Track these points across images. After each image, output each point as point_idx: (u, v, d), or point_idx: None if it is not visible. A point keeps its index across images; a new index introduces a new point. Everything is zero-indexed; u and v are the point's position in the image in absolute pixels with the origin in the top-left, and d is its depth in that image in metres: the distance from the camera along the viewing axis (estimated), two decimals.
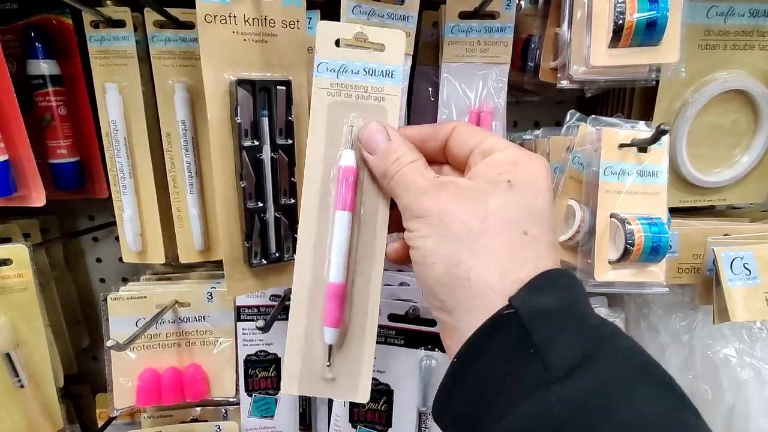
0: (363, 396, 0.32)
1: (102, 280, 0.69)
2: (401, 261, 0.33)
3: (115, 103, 0.45)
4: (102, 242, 0.67)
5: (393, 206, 0.32)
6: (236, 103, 0.37)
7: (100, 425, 0.60)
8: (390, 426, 0.43)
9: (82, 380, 0.67)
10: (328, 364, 0.31)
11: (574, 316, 0.23)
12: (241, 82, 0.37)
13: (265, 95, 0.39)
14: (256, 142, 0.39)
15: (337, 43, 0.32)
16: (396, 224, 0.32)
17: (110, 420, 0.58)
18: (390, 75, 0.32)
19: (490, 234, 0.25)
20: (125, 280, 0.68)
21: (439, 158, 0.31)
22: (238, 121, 0.38)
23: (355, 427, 0.43)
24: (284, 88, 0.39)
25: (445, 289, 0.26)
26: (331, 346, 0.31)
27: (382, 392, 0.43)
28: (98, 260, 0.68)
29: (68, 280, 0.64)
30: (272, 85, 0.39)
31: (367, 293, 0.32)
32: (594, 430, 0.19)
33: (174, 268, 0.58)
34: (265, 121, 0.39)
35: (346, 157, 0.31)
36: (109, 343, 0.38)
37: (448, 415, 0.26)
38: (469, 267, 0.25)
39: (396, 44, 0.32)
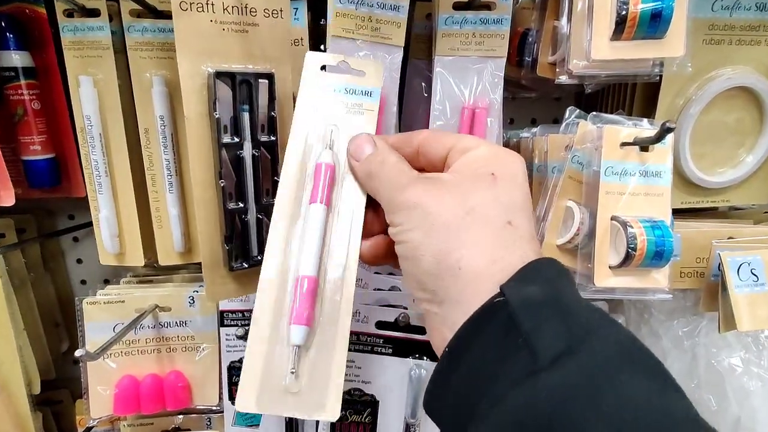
0: (331, 413, 0.27)
1: (83, 282, 0.66)
2: (376, 260, 0.32)
3: (90, 97, 0.43)
4: (82, 243, 0.65)
5: (368, 209, 0.32)
6: (214, 97, 0.35)
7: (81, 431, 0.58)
8: None
9: (62, 385, 0.65)
10: (292, 369, 0.27)
11: (562, 305, 0.23)
12: (219, 75, 0.35)
13: (246, 89, 0.36)
14: (236, 139, 0.37)
15: (323, 68, 0.33)
16: (371, 227, 0.32)
17: (89, 428, 0.56)
18: (369, 94, 0.33)
19: (476, 224, 0.26)
20: (107, 282, 0.66)
21: (414, 165, 0.31)
22: (217, 117, 0.35)
23: None
24: (266, 81, 0.37)
25: (435, 280, 0.26)
26: (298, 348, 0.28)
27: (366, 404, 0.41)
28: (79, 261, 0.65)
29: (46, 281, 0.62)
30: (253, 78, 0.36)
31: (340, 291, 0.30)
32: (580, 417, 0.20)
33: (156, 270, 0.56)
34: (246, 116, 0.37)
35: (325, 155, 0.31)
36: (78, 353, 0.35)
37: (441, 405, 0.25)
38: (459, 256, 0.25)
39: (375, 71, 0.34)
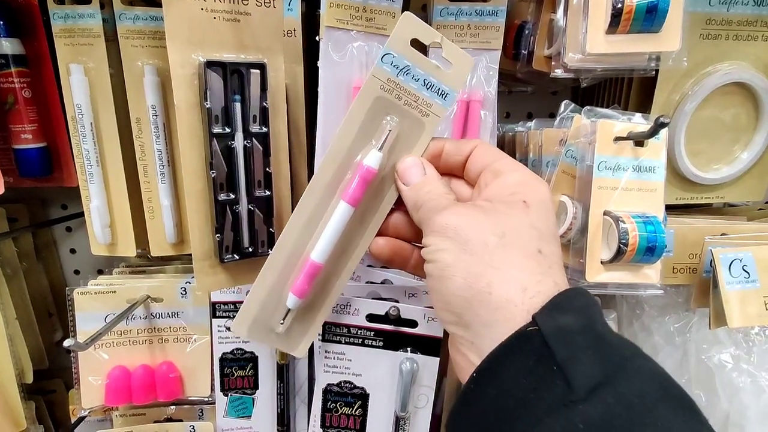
0: (300, 352, 0.35)
1: (76, 272, 0.66)
2: (382, 257, 0.33)
3: (81, 85, 0.42)
4: (76, 233, 0.64)
5: (394, 211, 0.33)
6: (205, 86, 0.35)
7: (73, 421, 0.58)
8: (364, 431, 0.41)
9: (55, 375, 0.65)
10: (281, 321, 0.34)
11: (596, 336, 0.24)
12: (210, 64, 0.35)
13: (238, 79, 0.36)
14: (228, 130, 0.36)
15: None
16: (392, 228, 0.33)
17: (81, 418, 0.56)
18: (444, 96, 0.32)
19: (507, 250, 0.26)
20: (101, 272, 0.66)
21: (457, 172, 0.32)
22: (208, 107, 0.35)
23: None
24: (258, 71, 0.37)
25: (463, 303, 0.26)
26: (289, 310, 0.34)
27: (357, 396, 0.41)
28: (72, 251, 0.65)
29: (39, 271, 0.62)
30: (245, 68, 0.36)
31: (337, 278, 0.34)
32: None
33: (149, 261, 0.56)
34: (238, 106, 0.36)
35: (372, 158, 0.31)
36: (66, 343, 0.35)
37: (466, 427, 0.25)
38: (489, 281, 0.25)
39: (463, 67, 0.32)
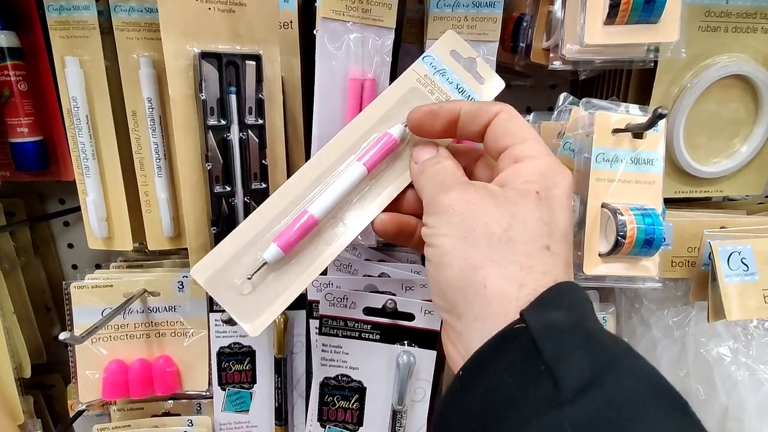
0: (252, 329, 0.30)
1: (74, 267, 0.66)
2: (387, 234, 0.32)
3: (76, 78, 0.42)
4: (73, 227, 0.64)
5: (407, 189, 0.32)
6: (200, 78, 0.35)
7: (72, 415, 0.58)
8: (361, 425, 0.41)
9: (54, 369, 0.65)
10: (249, 276, 0.30)
11: (586, 333, 0.23)
12: (205, 56, 0.34)
13: (233, 70, 0.36)
14: (223, 121, 0.36)
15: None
16: (399, 205, 0.33)
17: (80, 412, 0.56)
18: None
19: (512, 244, 0.25)
20: (99, 267, 0.65)
21: (477, 139, 0.30)
22: (203, 98, 0.35)
23: (324, 427, 0.41)
24: (254, 63, 0.36)
25: (457, 293, 0.25)
26: (264, 264, 0.30)
27: (354, 389, 0.41)
28: (70, 246, 0.65)
29: (37, 266, 0.62)
30: (240, 60, 0.36)
31: (329, 245, 0.31)
32: None
33: (147, 255, 0.56)
34: (233, 98, 0.36)
35: (396, 129, 0.31)
36: (62, 336, 0.35)
37: (453, 426, 0.25)
38: (486, 274, 0.24)
39: (494, 86, 0.34)
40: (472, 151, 0.33)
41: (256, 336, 0.30)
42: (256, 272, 0.30)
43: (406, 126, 0.31)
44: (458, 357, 0.25)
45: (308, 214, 0.30)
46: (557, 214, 0.26)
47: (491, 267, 0.24)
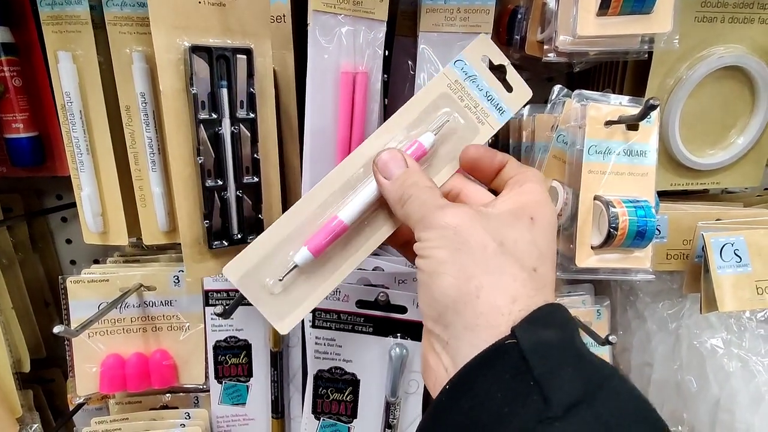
0: (283, 327, 0.31)
1: (72, 262, 0.66)
2: (395, 243, 0.34)
3: (69, 72, 0.42)
4: (71, 222, 0.65)
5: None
6: (191, 72, 0.35)
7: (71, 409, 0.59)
8: (355, 417, 0.41)
9: (53, 364, 0.65)
10: (281, 278, 0.31)
11: (575, 353, 0.23)
12: (195, 49, 0.34)
13: (224, 64, 0.36)
14: (214, 115, 0.36)
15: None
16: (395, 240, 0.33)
17: (79, 405, 0.56)
18: (501, 111, 0.34)
19: (505, 258, 0.25)
20: (97, 262, 0.66)
21: (485, 180, 0.32)
22: (194, 92, 0.35)
23: (318, 419, 0.41)
24: (245, 56, 0.36)
25: (448, 302, 0.25)
26: (295, 267, 0.31)
27: (348, 382, 0.41)
28: (68, 241, 0.65)
29: (35, 261, 0.62)
30: (231, 53, 0.36)
31: (355, 251, 0.32)
32: None
33: (144, 250, 0.56)
34: (224, 92, 0.36)
35: (426, 137, 0.31)
36: (56, 329, 0.35)
37: None
38: (480, 284, 0.24)
39: (522, 95, 0.34)
40: (491, 158, 0.33)
41: (285, 333, 0.32)
42: (287, 274, 0.30)
43: (435, 134, 0.32)
44: (440, 368, 0.25)
45: (338, 219, 0.30)
46: (546, 240, 0.27)
47: (485, 277, 0.24)
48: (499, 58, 0.34)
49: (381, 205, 0.32)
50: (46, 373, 0.65)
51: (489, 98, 0.33)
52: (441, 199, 0.28)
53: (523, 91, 0.34)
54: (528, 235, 0.26)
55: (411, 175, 0.29)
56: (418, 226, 0.28)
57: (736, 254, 0.39)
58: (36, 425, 0.50)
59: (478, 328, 0.24)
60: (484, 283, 0.24)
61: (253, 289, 0.31)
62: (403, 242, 0.34)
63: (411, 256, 0.31)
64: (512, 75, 0.34)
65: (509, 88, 0.34)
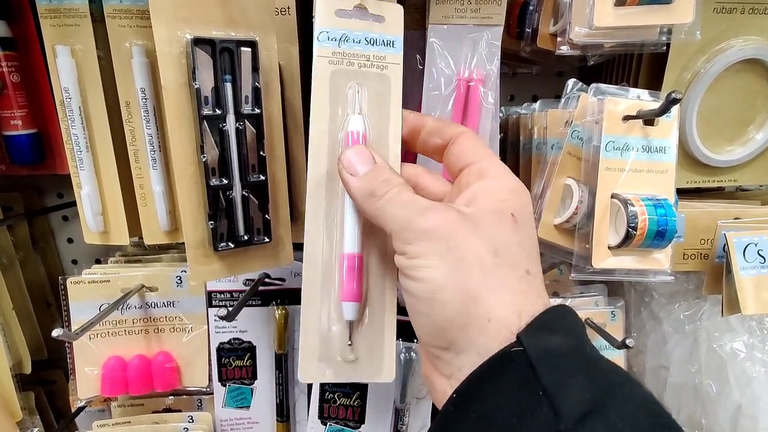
0: (387, 375, 0.30)
1: (74, 262, 0.65)
2: None
3: (68, 67, 0.41)
4: (72, 222, 0.64)
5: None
6: (194, 65, 0.33)
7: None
8: (363, 423, 0.40)
9: (55, 365, 0.64)
10: (349, 343, 0.29)
11: (584, 359, 0.22)
12: (198, 42, 0.33)
13: (228, 57, 0.34)
14: (219, 111, 0.35)
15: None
16: None
17: (81, 408, 0.55)
18: (391, 44, 0.32)
19: (503, 269, 0.24)
20: (99, 262, 0.65)
21: (435, 156, 0.30)
22: (197, 87, 0.34)
23: (324, 424, 0.40)
24: (249, 49, 0.35)
25: (458, 330, 0.23)
26: (351, 323, 0.29)
27: (355, 387, 0.40)
28: (69, 241, 0.64)
29: (36, 261, 0.61)
30: (235, 46, 0.34)
31: (384, 265, 0.30)
32: None
33: (146, 250, 0.55)
34: (228, 87, 0.35)
35: (354, 122, 0.30)
36: (55, 333, 0.34)
37: None
38: (488, 306, 0.23)
39: (394, 16, 0.32)
40: (442, 131, 0.31)
41: (393, 378, 0.30)
42: (351, 336, 0.30)
43: (359, 112, 0.31)
44: (446, 386, 0.24)
45: (346, 255, 0.29)
46: (530, 236, 0.26)
47: (490, 297, 0.23)
48: (348, 1, 0.32)
49: None
50: (48, 375, 0.64)
51: (371, 41, 0.31)
52: (419, 198, 0.26)
53: (393, 10, 0.32)
54: (515, 236, 0.25)
55: (380, 171, 0.27)
56: (398, 233, 0.25)
57: (759, 254, 0.37)
58: (37, 429, 0.49)
59: (492, 351, 0.22)
60: (492, 303, 0.23)
61: (337, 371, 0.30)
62: None
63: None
64: (375, 5, 0.32)
65: (381, 19, 0.32)
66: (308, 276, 0.30)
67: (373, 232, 0.30)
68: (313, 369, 0.29)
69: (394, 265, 0.28)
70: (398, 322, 0.39)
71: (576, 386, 0.21)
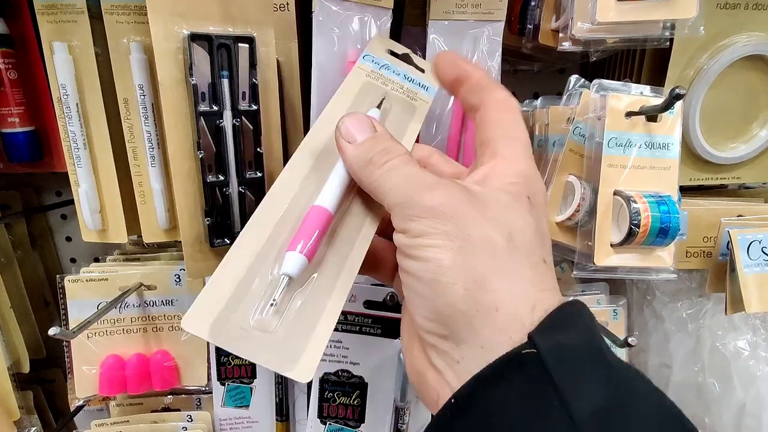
0: (302, 372, 0.21)
1: (72, 260, 0.65)
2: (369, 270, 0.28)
3: (65, 64, 0.41)
4: (71, 220, 0.63)
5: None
6: (190, 61, 0.33)
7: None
8: (363, 422, 0.40)
9: (54, 364, 0.64)
10: (273, 301, 0.22)
11: (600, 359, 0.20)
12: (195, 37, 0.33)
13: (225, 53, 0.34)
14: (215, 108, 0.35)
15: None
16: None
17: (80, 407, 0.55)
18: (426, 88, 0.34)
19: (517, 254, 0.21)
20: (98, 261, 0.64)
21: (468, 109, 0.27)
22: (194, 83, 0.33)
23: (324, 424, 0.40)
24: (247, 45, 0.35)
25: (460, 317, 0.21)
26: (286, 279, 0.22)
27: (355, 386, 0.39)
28: (68, 239, 0.64)
29: (34, 259, 0.61)
30: (232, 42, 0.34)
31: (351, 245, 0.25)
32: None
33: (145, 248, 0.55)
34: (226, 83, 0.35)
35: (373, 111, 0.30)
36: (51, 331, 0.34)
37: None
38: (497, 294, 0.20)
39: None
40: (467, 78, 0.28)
41: (309, 381, 0.23)
42: (279, 294, 0.22)
43: (379, 109, 0.31)
44: (442, 386, 0.22)
45: (317, 206, 0.25)
46: (544, 223, 0.23)
47: (500, 284, 0.21)
48: (401, 48, 0.35)
49: (359, 190, 0.27)
50: (46, 374, 0.64)
51: (409, 79, 0.33)
52: (425, 173, 0.23)
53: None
54: (532, 220, 0.22)
55: (381, 140, 0.25)
56: (400, 209, 0.22)
57: (763, 252, 0.37)
58: (34, 428, 0.49)
59: (499, 345, 0.20)
60: (502, 291, 0.21)
61: (235, 338, 0.22)
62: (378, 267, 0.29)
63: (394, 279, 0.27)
64: (419, 60, 0.35)
65: (422, 71, 0.34)
66: (259, 217, 0.25)
67: (351, 210, 0.27)
68: (204, 323, 0.22)
69: (361, 251, 0.26)
70: (398, 320, 0.39)
71: (589, 385, 0.19)
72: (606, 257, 0.36)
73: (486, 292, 0.20)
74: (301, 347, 0.22)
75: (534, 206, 0.23)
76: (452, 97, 0.41)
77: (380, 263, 0.29)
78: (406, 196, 0.22)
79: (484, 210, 0.22)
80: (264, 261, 0.23)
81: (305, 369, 0.22)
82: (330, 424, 0.41)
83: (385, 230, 0.27)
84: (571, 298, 0.22)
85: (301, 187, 0.26)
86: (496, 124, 0.25)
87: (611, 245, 0.36)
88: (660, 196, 0.35)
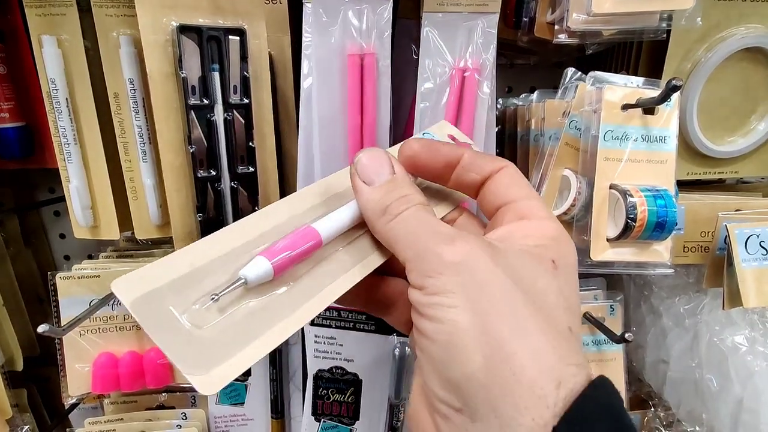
0: (205, 384, 0.18)
1: (66, 257, 0.64)
2: (355, 301, 0.26)
3: (54, 58, 0.40)
4: (64, 216, 0.63)
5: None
6: (180, 54, 0.32)
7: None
8: (357, 419, 0.39)
9: (49, 362, 0.63)
10: (214, 295, 0.20)
11: None
12: (184, 30, 0.32)
13: (215, 46, 0.34)
14: (206, 101, 0.34)
15: None
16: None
17: (73, 406, 0.54)
18: None
19: (540, 320, 0.19)
20: (91, 257, 0.64)
21: (470, 192, 0.26)
22: (183, 76, 0.33)
23: (318, 421, 0.39)
24: (237, 38, 0.34)
25: (478, 390, 0.18)
26: (241, 284, 0.20)
27: (349, 383, 0.39)
28: (62, 236, 0.63)
29: (28, 256, 0.60)
30: (223, 34, 0.34)
31: (331, 279, 0.23)
32: None
33: (138, 244, 0.54)
34: (216, 76, 0.34)
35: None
36: (40, 329, 0.33)
37: None
38: (520, 365, 0.18)
39: None
40: (468, 165, 0.26)
41: (209, 393, 0.19)
42: (226, 291, 0.20)
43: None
44: None
45: (312, 229, 0.23)
46: (573, 289, 0.22)
47: (525, 355, 0.18)
48: (463, 136, 0.32)
49: (366, 230, 0.25)
50: (41, 372, 0.63)
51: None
52: (443, 224, 0.22)
53: None
54: (554, 283, 0.21)
55: (399, 185, 0.23)
56: (416, 263, 0.21)
57: (762, 246, 0.36)
58: (27, 427, 0.49)
59: (520, 428, 0.18)
60: (526, 363, 0.18)
61: (154, 319, 0.19)
62: (388, 308, 0.26)
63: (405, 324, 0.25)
64: (462, 136, 0.33)
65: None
66: (249, 220, 0.23)
67: (344, 251, 0.24)
68: (135, 291, 0.20)
69: (342, 288, 0.23)
70: None
71: None
72: (602, 252, 0.35)
73: (507, 362, 0.18)
74: (222, 357, 0.19)
75: (559, 269, 0.21)
76: (446, 92, 0.41)
77: (394, 308, 0.26)
78: (424, 249, 0.21)
79: (506, 267, 0.20)
80: (232, 261, 0.21)
81: (213, 381, 0.19)
82: (324, 421, 0.40)
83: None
84: (596, 375, 0.19)
85: (306, 210, 0.25)
86: (512, 187, 0.24)
87: (607, 240, 0.35)
88: (657, 190, 0.34)
